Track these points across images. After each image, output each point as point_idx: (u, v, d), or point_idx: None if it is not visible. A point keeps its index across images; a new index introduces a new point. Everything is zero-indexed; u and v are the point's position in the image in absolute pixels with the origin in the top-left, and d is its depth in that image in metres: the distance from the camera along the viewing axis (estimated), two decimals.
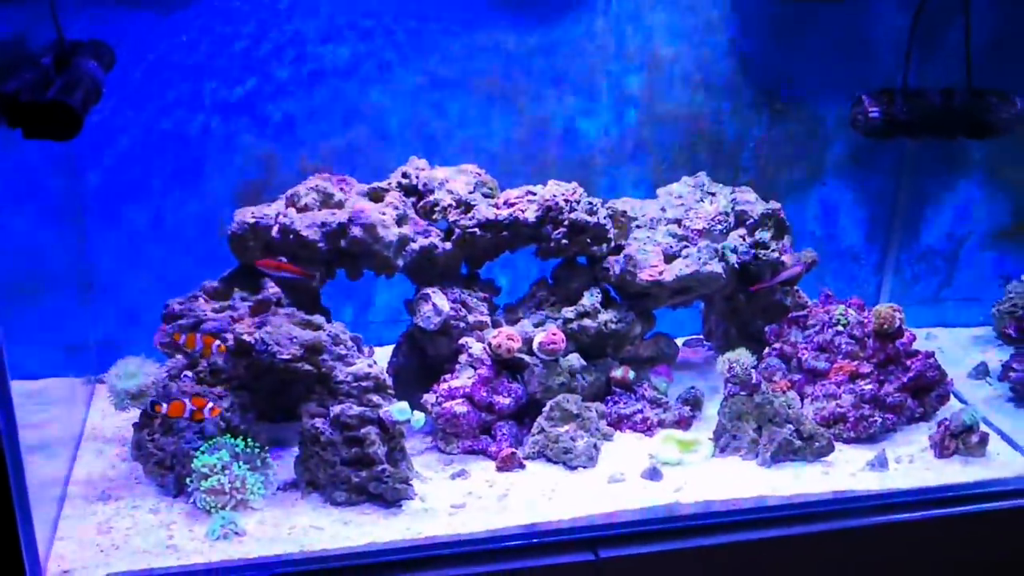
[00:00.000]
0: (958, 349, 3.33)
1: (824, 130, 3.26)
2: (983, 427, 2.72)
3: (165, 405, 2.37)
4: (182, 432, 2.43)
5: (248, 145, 2.93)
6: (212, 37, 2.83)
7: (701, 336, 3.30)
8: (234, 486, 2.38)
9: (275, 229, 2.56)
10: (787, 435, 2.61)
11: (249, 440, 2.45)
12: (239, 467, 2.40)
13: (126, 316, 2.90)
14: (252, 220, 2.54)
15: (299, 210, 2.58)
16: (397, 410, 2.40)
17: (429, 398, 2.64)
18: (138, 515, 2.39)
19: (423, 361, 2.77)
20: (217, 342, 2.43)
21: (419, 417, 2.44)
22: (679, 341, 3.33)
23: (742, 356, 2.65)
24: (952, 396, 2.96)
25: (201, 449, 2.41)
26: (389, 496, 2.41)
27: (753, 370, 2.66)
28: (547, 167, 3.11)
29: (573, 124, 3.14)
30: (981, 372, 3.12)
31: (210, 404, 2.39)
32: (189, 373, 2.50)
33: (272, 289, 2.56)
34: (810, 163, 3.30)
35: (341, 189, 2.64)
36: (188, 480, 2.39)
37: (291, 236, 2.54)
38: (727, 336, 3.17)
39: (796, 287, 3.10)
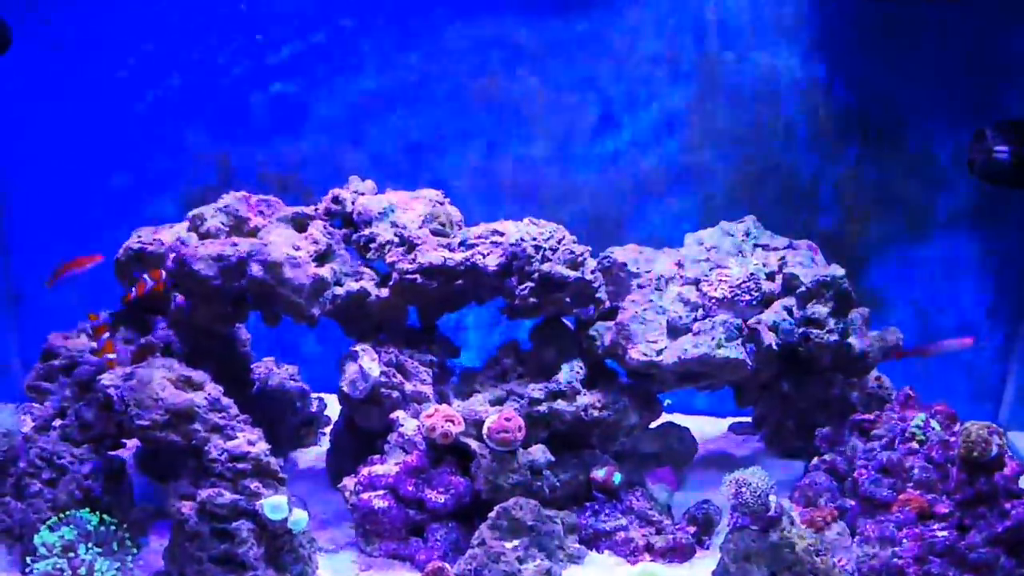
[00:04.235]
0: None
1: (935, 169, 2.57)
2: None
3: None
4: (32, 498, 2.03)
5: (198, 145, 2.54)
6: (163, 29, 2.50)
7: (751, 420, 2.60)
8: (78, 572, 1.95)
9: (171, 258, 2.08)
10: None
11: (106, 517, 2.00)
12: (86, 549, 1.98)
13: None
14: (138, 246, 2.07)
15: (201, 236, 2.09)
16: (270, 506, 1.93)
17: (348, 484, 2.12)
18: None
19: (360, 432, 2.24)
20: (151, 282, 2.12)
21: (299, 518, 1.94)
22: (725, 422, 2.66)
23: (756, 477, 1.96)
24: None
25: (49, 523, 2.00)
26: None
27: (772, 497, 1.96)
28: (566, 194, 2.62)
29: (601, 144, 2.61)
30: None
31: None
32: (58, 423, 2.09)
33: (161, 331, 2.09)
34: (913, 210, 2.63)
35: (260, 212, 2.13)
36: (29, 559, 1.99)
37: (185, 269, 2.05)
38: (779, 429, 2.50)
39: (879, 376, 2.39)
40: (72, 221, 2.57)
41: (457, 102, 2.55)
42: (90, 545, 2.01)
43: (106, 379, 2.04)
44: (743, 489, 2.02)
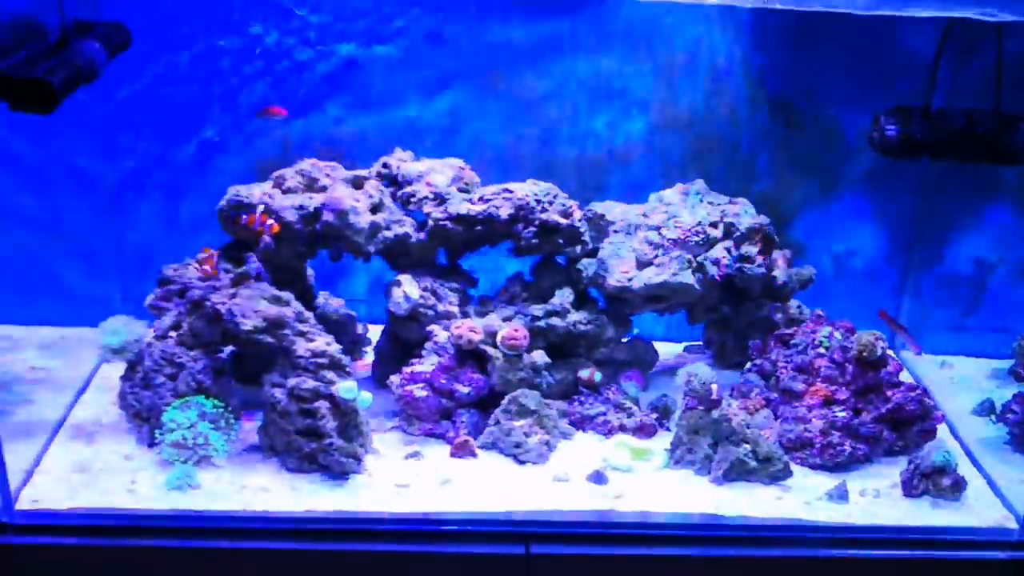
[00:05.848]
0: (974, 381, 3.17)
1: (843, 145, 3.15)
2: (960, 470, 2.61)
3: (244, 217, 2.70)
4: (158, 387, 2.62)
5: (266, 127, 3.09)
6: (235, 21, 3.01)
7: (702, 343, 3.27)
8: (196, 442, 2.56)
9: (261, 208, 2.71)
10: (741, 455, 2.58)
11: (216, 401, 2.61)
12: (203, 425, 2.57)
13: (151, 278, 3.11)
14: (236, 198, 2.71)
15: (284, 192, 2.72)
16: (344, 388, 2.52)
17: (394, 379, 2.75)
18: (113, 459, 2.61)
19: (401, 344, 2.87)
20: (270, 221, 2.67)
21: (366, 397, 2.55)
22: (681, 346, 3.32)
23: (701, 371, 2.62)
24: (948, 431, 2.86)
25: (174, 405, 2.59)
26: (335, 468, 2.53)
27: (714, 385, 2.63)
28: (554, 166, 3.14)
29: (582, 124, 3.15)
30: (987, 409, 2.96)
31: (270, 221, 2.68)
32: (173, 334, 2.69)
33: (253, 264, 2.71)
34: (829, 177, 3.20)
35: (327, 175, 2.76)
36: (158, 432, 2.58)
37: (272, 216, 2.69)
38: (722, 347, 3.14)
39: (800, 305, 3.06)
40: (169, 186, 3.14)
41: (473, 92, 3.07)
42: (206, 422, 2.59)
43: (215, 297, 2.66)
44: (692, 378, 2.64)
